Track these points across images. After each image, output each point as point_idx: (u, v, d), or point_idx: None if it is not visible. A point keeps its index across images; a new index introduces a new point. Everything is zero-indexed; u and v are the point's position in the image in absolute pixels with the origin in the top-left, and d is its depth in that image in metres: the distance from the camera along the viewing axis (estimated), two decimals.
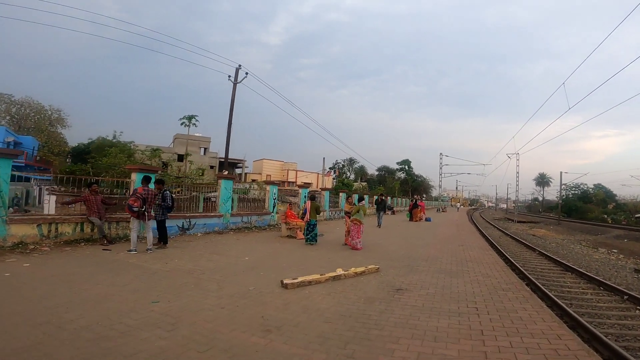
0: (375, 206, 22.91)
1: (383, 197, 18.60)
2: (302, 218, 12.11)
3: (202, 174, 33.33)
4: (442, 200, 68.35)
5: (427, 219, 25.50)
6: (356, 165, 72.14)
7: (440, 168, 48.92)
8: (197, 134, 50.64)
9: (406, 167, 69.22)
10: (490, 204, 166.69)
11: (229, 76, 20.02)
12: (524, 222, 50.23)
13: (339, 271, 7.04)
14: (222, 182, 14.14)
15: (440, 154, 48.94)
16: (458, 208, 75.80)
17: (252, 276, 6.75)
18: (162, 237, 9.57)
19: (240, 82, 19.97)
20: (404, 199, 51.48)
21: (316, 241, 11.51)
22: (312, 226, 11.42)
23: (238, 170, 54.87)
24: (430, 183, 76.52)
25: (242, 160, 53.12)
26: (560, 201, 50.22)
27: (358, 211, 10.82)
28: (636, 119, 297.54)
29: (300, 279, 6.22)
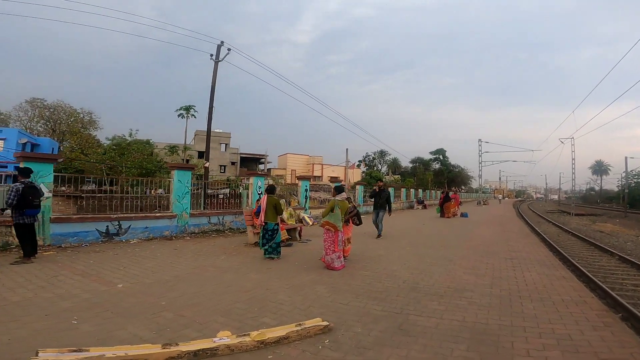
0: (372, 201, 18.43)
1: (383, 187, 11.88)
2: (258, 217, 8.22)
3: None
4: (483, 192, 61.44)
5: (463, 215, 20.62)
6: (388, 158, 66.97)
7: (480, 156, 42.87)
8: (217, 130, 48.33)
9: (440, 156, 62.80)
10: (538, 195, 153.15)
11: (211, 55, 16.53)
12: (582, 214, 42.84)
13: (219, 339, 3.09)
14: (175, 174, 10.60)
15: (479, 140, 42.98)
16: (500, 200, 68.14)
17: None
18: (26, 248, 6.19)
19: (223, 59, 16.42)
20: (438, 192, 45.81)
21: (279, 254, 7.59)
22: (270, 232, 7.50)
23: (261, 166, 52.05)
24: (469, 174, 69.36)
25: (264, 155, 50.20)
26: (626, 190, 42.17)
27: (332, 210, 6.73)
28: None
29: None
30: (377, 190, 11.81)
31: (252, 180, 13.32)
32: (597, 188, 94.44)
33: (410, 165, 67.66)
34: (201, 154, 46.08)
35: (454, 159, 71.42)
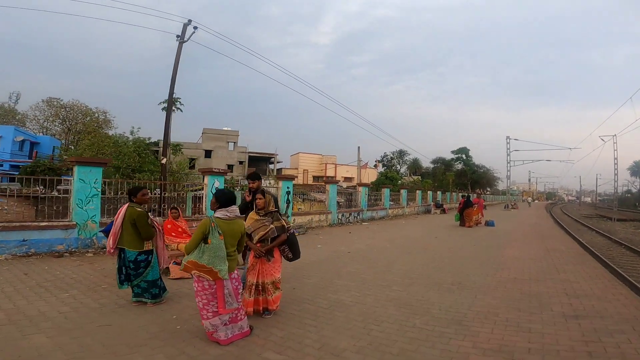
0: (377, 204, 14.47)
1: (256, 188, 4.81)
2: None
3: (189, 166, 28.13)
4: (511, 194, 55.98)
5: (489, 223, 16.60)
6: (407, 158, 62.49)
7: (508, 155, 38.01)
8: (225, 128, 45.88)
9: (464, 156, 57.40)
10: (570, 198, 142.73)
11: (177, 36, 13.61)
12: (624, 220, 37.23)
13: None
14: (76, 171, 7.56)
15: (507, 137, 38.04)
16: (530, 203, 62.09)
17: None
18: None
19: (188, 40, 13.47)
20: (460, 194, 41.37)
21: (155, 297, 4.35)
22: (132, 263, 4.22)
23: (271, 166, 49.16)
24: (495, 174, 63.54)
25: (273, 154, 47.22)
26: None
27: (204, 240, 3.24)
28: None
29: None
30: (250, 193, 4.85)
31: (207, 180, 10.20)
32: (634, 190, 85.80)
33: (432, 166, 62.95)
34: (208, 153, 43.73)
35: (479, 159, 65.76)
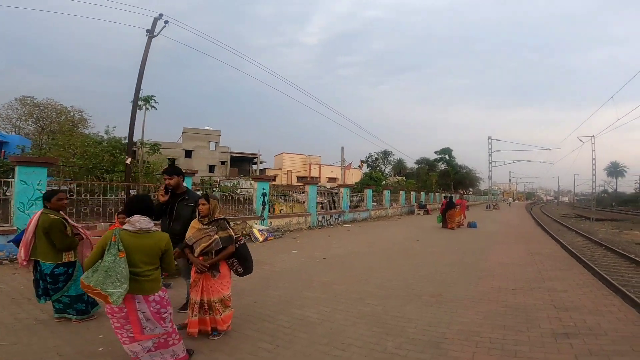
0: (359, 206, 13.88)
1: (172, 187, 4.05)
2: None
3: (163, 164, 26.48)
4: (492, 195, 56.61)
5: (471, 225, 16.31)
6: (391, 158, 62.45)
7: (490, 155, 38.23)
8: (207, 128, 44.66)
9: (447, 156, 57.74)
10: (548, 198, 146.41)
11: (147, 30, 12.77)
12: (602, 219, 37.93)
13: None
14: (17, 171, 6.72)
15: (489, 137, 38.25)
16: (510, 203, 62.98)
17: None
18: None
19: (158, 34, 12.67)
20: (443, 195, 41.45)
21: (81, 314, 3.71)
22: (50, 277, 3.55)
23: (254, 166, 48.18)
24: (477, 175, 64.21)
25: (256, 154, 46.26)
26: None
27: (102, 256, 2.55)
28: None
29: None
30: (167, 192, 4.03)
31: None
32: (609, 190, 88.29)
33: (416, 166, 63.10)
34: (189, 153, 42.43)
35: (462, 160, 66.19)
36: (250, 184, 15.17)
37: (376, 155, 62.69)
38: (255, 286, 5.55)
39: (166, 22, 12.89)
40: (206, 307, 3.45)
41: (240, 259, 3.55)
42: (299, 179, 52.61)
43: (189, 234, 3.44)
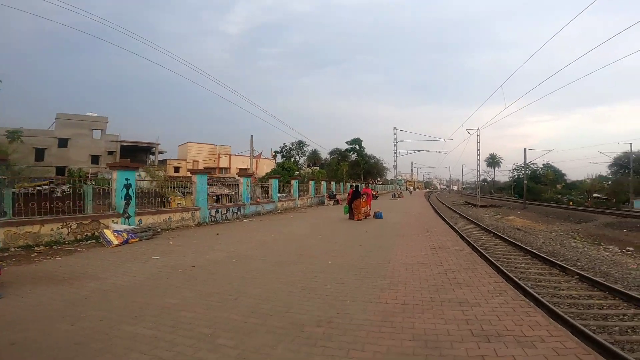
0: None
1: None
2: None
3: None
4: (397, 184, 60.14)
5: (377, 215, 15.72)
6: (306, 149, 61.78)
7: (395, 145, 39.74)
8: (89, 114, 37.53)
9: (357, 146, 59.36)
10: (442, 186, 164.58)
11: None
12: (485, 206, 42.90)
13: None
14: None
15: (395, 127, 39.65)
16: (411, 192, 68.03)
17: None
18: None
19: None
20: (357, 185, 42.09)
21: None
22: None
23: (155, 157, 42.39)
24: (384, 165, 67.72)
25: (154, 143, 40.64)
26: (526, 182, 43.18)
27: None
28: (566, 106, 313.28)
29: None
30: None
31: None
32: (488, 179, 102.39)
33: (330, 157, 63.58)
34: (63, 142, 35.00)
35: (372, 151, 68.98)
36: (139, 175, 12.01)
37: (290, 146, 61.40)
38: (44, 314, 3.27)
39: None
40: None
41: None
42: (206, 170, 48.26)
43: None
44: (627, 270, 10.48)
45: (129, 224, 9.39)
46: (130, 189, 9.57)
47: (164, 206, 12.10)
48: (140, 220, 9.82)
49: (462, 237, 11.01)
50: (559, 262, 9.76)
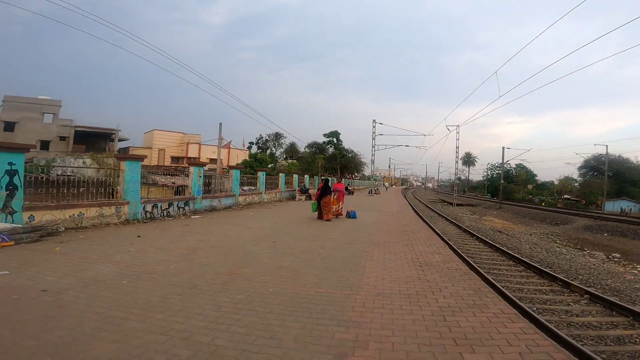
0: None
1: None
2: None
3: None
4: (374, 180, 58.63)
5: (350, 215, 13.60)
6: (283, 141, 59.11)
7: (373, 139, 37.92)
8: (40, 97, 33.53)
9: (335, 139, 57.23)
10: (417, 184, 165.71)
11: None
12: (462, 205, 42.00)
13: None
14: None
15: (374, 120, 37.81)
16: (387, 188, 66.71)
17: None
18: None
19: None
20: (333, 179, 40.00)
21: None
22: None
23: (114, 144, 38.62)
24: (362, 160, 65.91)
25: (114, 130, 36.92)
26: (502, 181, 42.51)
27: None
28: (538, 108, 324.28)
29: None
30: None
31: None
32: (462, 178, 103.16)
33: (307, 150, 61.22)
34: (10, 126, 30.90)
35: (351, 146, 66.98)
36: (84, 162, 9.21)
37: (267, 137, 58.62)
38: None
39: None
40: None
41: None
42: (174, 159, 44.85)
43: None
44: (629, 282, 9.06)
45: (13, 221, 6.82)
46: (16, 176, 6.97)
47: (110, 198, 9.58)
48: (31, 217, 7.25)
49: (451, 248, 9.12)
50: (559, 276, 8.15)
